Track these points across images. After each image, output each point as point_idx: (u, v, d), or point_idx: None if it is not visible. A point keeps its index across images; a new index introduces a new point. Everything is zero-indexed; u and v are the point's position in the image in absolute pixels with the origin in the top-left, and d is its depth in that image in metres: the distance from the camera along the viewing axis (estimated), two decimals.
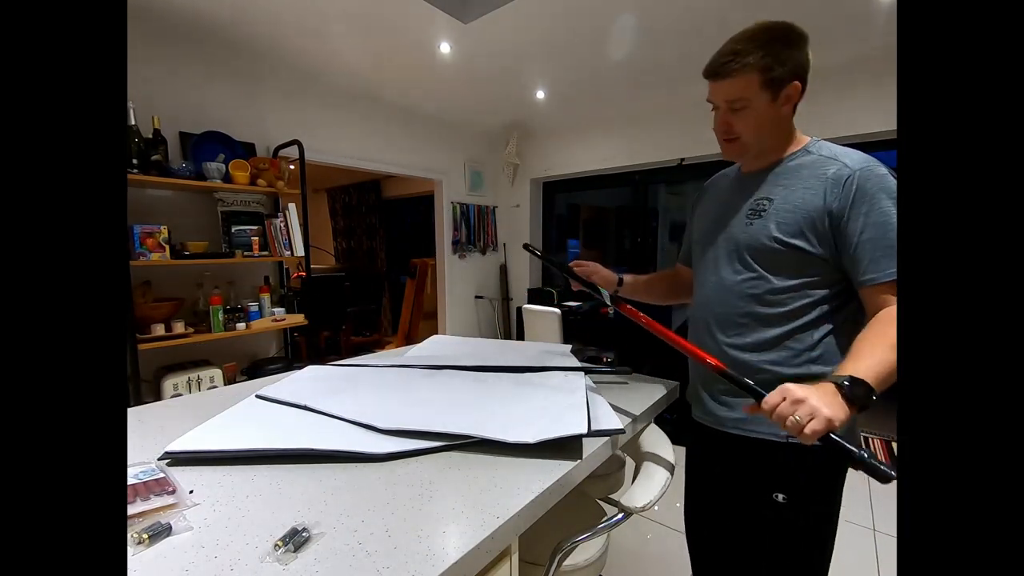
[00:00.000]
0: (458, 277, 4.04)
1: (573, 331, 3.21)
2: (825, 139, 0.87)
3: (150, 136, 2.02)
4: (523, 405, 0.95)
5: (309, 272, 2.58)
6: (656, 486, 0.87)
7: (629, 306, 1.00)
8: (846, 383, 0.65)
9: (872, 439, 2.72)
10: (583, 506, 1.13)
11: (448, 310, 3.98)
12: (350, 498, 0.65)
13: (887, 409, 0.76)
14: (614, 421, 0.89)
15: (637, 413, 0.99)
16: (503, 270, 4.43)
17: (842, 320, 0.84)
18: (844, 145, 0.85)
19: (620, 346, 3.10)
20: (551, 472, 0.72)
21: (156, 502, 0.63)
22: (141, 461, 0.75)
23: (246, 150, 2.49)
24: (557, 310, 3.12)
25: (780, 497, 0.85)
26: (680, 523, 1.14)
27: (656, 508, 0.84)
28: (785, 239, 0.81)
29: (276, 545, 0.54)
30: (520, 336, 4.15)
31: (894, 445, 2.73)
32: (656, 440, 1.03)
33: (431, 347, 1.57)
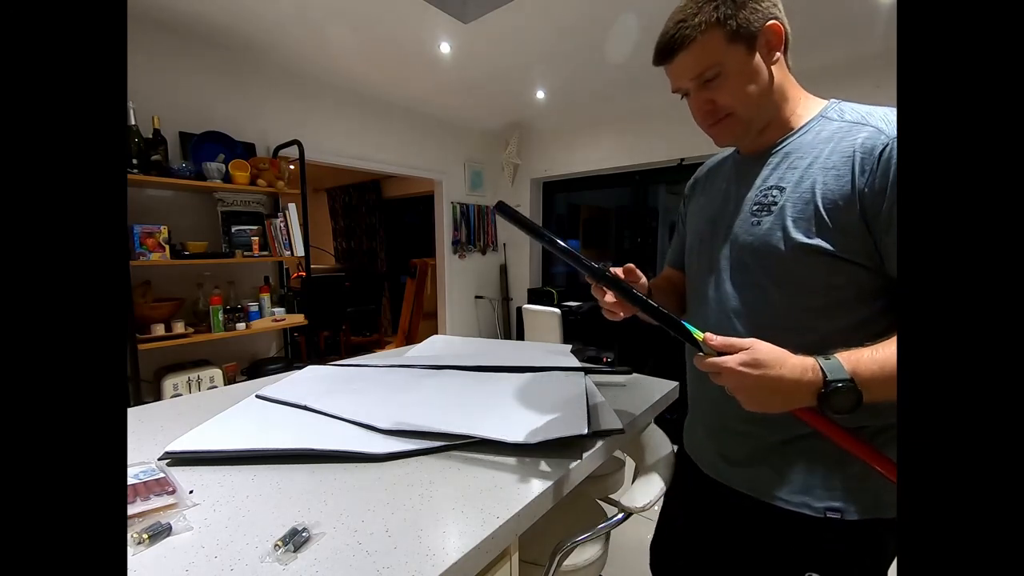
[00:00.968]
0: (458, 277, 4.04)
1: (573, 331, 3.21)
2: None
3: (150, 136, 2.02)
4: (523, 405, 0.95)
5: (309, 272, 2.58)
6: (656, 486, 0.87)
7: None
8: (842, 385, 0.52)
9: None
10: (583, 506, 1.13)
11: (448, 310, 3.98)
12: (350, 498, 0.65)
13: None
14: (614, 421, 0.89)
15: (637, 413, 0.99)
16: (503, 270, 4.43)
17: None
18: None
19: (620, 346, 3.10)
20: (551, 472, 0.72)
21: (156, 502, 0.63)
22: (141, 461, 0.75)
23: (246, 150, 2.49)
24: (557, 310, 3.12)
25: None
26: None
27: (656, 508, 0.84)
28: (804, 240, 0.61)
29: (276, 545, 0.54)
30: (520, 336, 4.15)
31: None
32: (656, 440, 1.03)
33: (431, 347, 1.57)
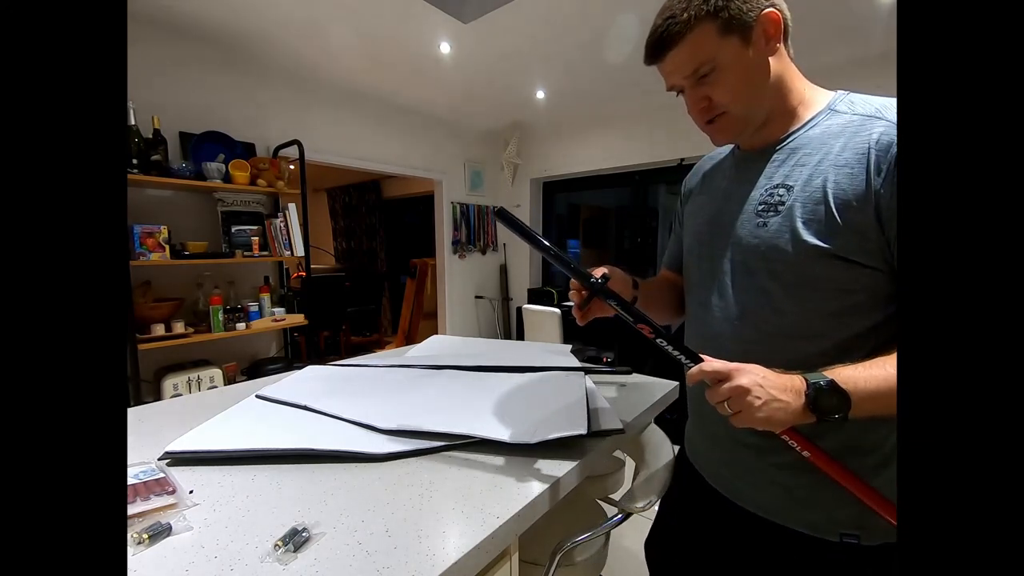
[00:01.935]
0: (458, 277, 4.04)
1: (573, 331, 3.21)
2: None
3: (150, 136, 2.02)
4: (523, 405, 0.95)
5: (309, 272, 2.58)
6: (656, 486, 0.87)
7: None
8: (821, 384, 0.52)
9: None
10: (583, 506, 1.13)
11: (448, 310, 3.98)
12: (350, 498, 0.65)
13: None
14: (614, 421, 0.89)
15: (637, 413, 0.99)
16: (503, 270, 4.43)
17: None
18: None
19: (620, 346, 3.10)
20: (551, 472, 0.72)
21: (156, 502, 0.63)
22: (141, 461, 0.75)
23: (246, 150, 2.49)
24: (557, 310, 3.12)
25: None
26: None
27: (656, 508, 0.84)
28: (815, 243, 0.57)
29: (276, 545, 0.54)
30: (520, 336, 4.15)
31: None
32: (656, 440, 1.03)
33: (431, 347, 1.57)
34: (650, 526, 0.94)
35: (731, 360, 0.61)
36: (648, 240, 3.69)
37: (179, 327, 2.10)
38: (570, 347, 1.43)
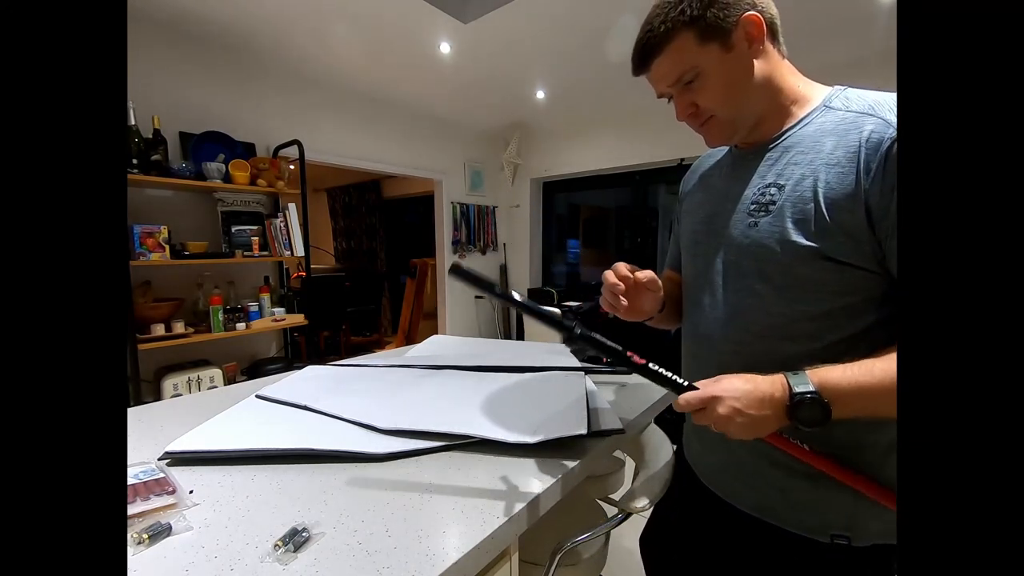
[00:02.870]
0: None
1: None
2: None
3: (150, 136, 2.02)
4: (523, 405, 0.95)
5: (309, 272, 2.58)
6: (656, 486, 0.87)
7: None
8: (808, 397, 0.51)
9: None
10: (583, 506, 1.13)
11: (448, 310, 3.98)
12: (350, 498, 0.65)
13: None
14: (614, 421, 0.89)
15: (637, 413, 0.99)
16: (503, 270, 4.43)
17: None
18: None
19: (620, 346, 3.09)
20: (551, 472, 0.72)
21: (156, 502, 0.63)
22: (141, 461, 0.75)
23: (246, 150, 2.49)
24: (557, 310, 3.12)
25: None
26: None
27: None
28: (804, 243, 0.57)
29: (276, 545, 0.54)
30: (520, 336, 4.15)
31: None
32: (656, 440, 1.03)
33: (431, 347, 1.57)
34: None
35: (720, 360, 0.65)
36: (648, 240, 3.69)
37: (179, 327, 2.10)
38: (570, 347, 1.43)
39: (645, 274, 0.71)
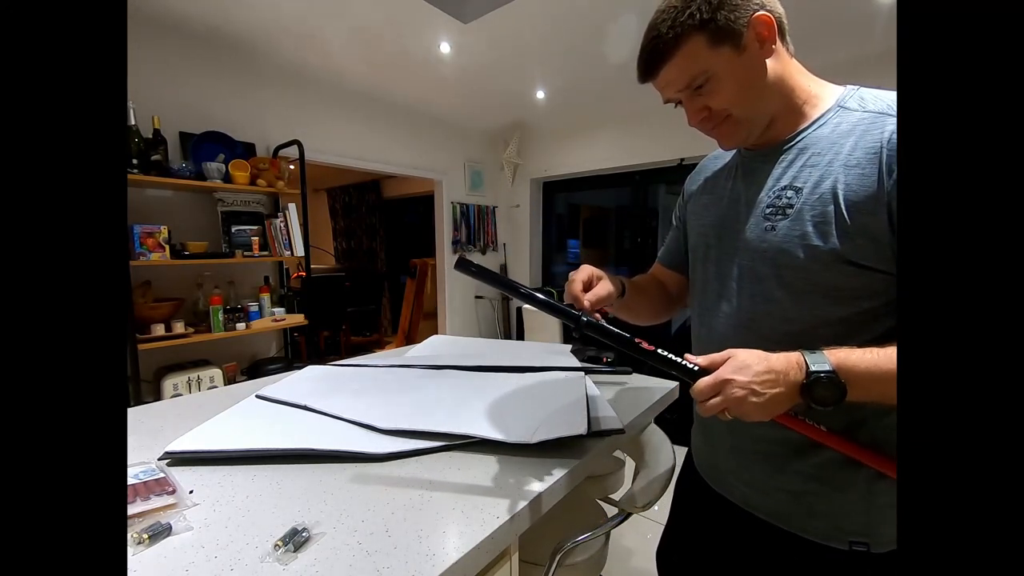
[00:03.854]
0: (458, 277, 4.04)
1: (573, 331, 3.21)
2: None
3: (150, 136, 2.02)
4: (523, 405, 0.95)
5: (309, 272, 2.58)
6: (656, 486, 0.87)
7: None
8: (824, 376, 0.50)
9: None
10: (583, 506, 1.13)
11: (448, 310, 3.98)
12: (350, 498, 0.65)
13: None
14: (614, 421, 0.89)
15: (637, 413, 0.99)
16: (503, 270, 4.43)
17: None
18: None
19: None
20: (551, 472, 0.72)
21: (156, 502, 0.63)
22: (141, 461, 0.75)
23: (246, 150, 2.49)
24: (555, 301, 3.11)
25: None
26: None
27: (656, 508, 0.84)
28: (825, 247, 0.55)
29: (276, 545, 0.54)
30: (520, 336, 4.15)
31: None
32: (656, 440, 1.03)
33: (431, 347, 1.58)
34: (652, 529, 0.94)
35: None
36: (648, 240, 3.69)
37: (179, 327, 2.10)
38: (570, 347, 1.43)
39: (595, 295, 0.69)
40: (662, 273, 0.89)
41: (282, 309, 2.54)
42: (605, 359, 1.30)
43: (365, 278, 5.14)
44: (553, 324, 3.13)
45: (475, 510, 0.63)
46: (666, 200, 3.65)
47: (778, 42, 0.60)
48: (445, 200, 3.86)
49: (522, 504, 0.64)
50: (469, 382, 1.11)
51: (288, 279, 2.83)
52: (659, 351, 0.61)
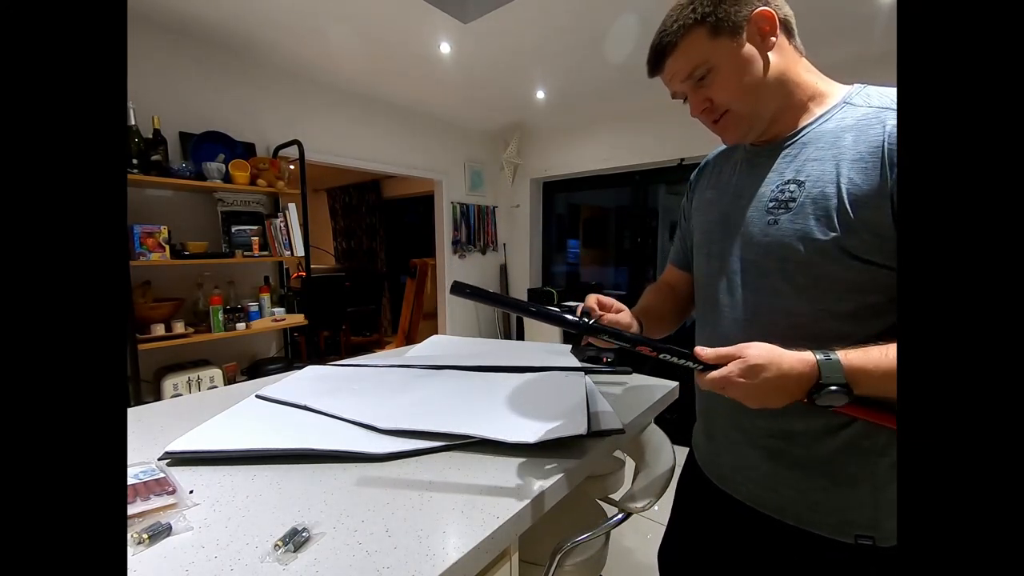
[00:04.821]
0: (458, 277, 4.03)
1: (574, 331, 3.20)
2: None
3: (150, 136, 2.02)
4: (523, 405, 0.95)
5: (309, 272, 2.58)
6: (656, 486, 0.87)
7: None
8: (832, 388, 0.51)
9: None
10: (583, 506, 1.13)
11: (448, 310, 3.98)
12: (350, 498, 0.65)
13: None
14: (614, 421, 0.89)
15: (637, 413, 0.99)
16: (503, 270, 4.43)
17: None
18: None
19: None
20: (551, 472, 0.72)
21: (156, 502, 0.63)
22: (141, 461, 0.75)
23: (246, 150, 2.49)
24: (557, 310, 3.12)
25: None
26: None
27: (656, 508, 0.84)
28: (828, 241, 0.56)
29: (276, 545, 0.54)
30: (520, 336, 4.15)
31: None
32: (656, 440, 1.03)
33: (431, 347, 1.58)
34: (652, 529, 0.94)
35: None
36: (648, 240, 3.69)
37: (179, 327, 2.10)
38: (570, 347, 1.43)
39: (613, 320, 0.72)
40: (674, 276, 0.89)
41: (282, 309, 2.54)
42: (605, 359, 1.30)
43: (365, 278, 5.15)
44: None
45: (475, 510, 0.63)
46: (666, 200, 3.65)
47: (783, 39, 0.62)
48: (445, 200, 3.86)
49: (522, 504, 0.64)
50: (469, 382, 1.11)
51: (288, 279, 2.83)
52: (661, 356, 0.61)
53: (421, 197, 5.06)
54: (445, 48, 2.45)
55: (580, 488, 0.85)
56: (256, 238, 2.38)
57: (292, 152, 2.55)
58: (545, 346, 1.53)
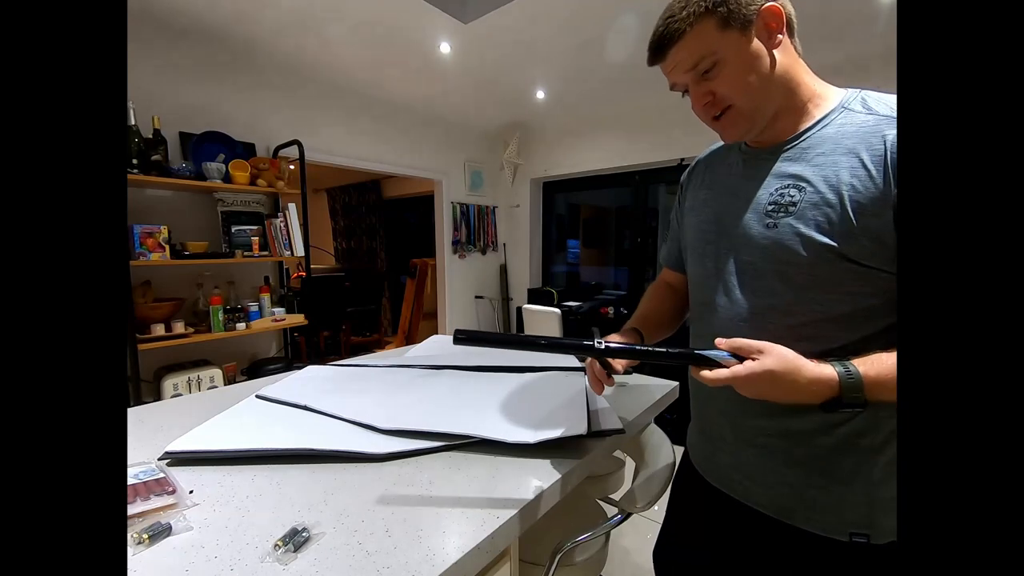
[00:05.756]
0: (458, 277, 4.04)
1: (573, 331, 3.21)
2: None
3: (150, 136, 2.02)
4: (523, 405, 0.95)
5: (309, 272, 2.58)
6: (656, 486, 0.87)
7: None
8: (846, 410, 0.53)
9: None
10: (583, 506, 1.13)
11: (448, 310, 3.98)
12: (350, 498, 0.65)
13: None
14: (614, 421, 0.89)
15: (637, 413, 0.99)
16: (503, 270, 4.43)
17: None
18: None
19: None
20: (551, 472, 0.72)
21: (156, 502, 0.63)
22: (141, 461, 0.75)
23: (246, 150, 2.49)
24: (557, 310, 3.12)
25: None
26: None
27: (656, 508, 0.84)
28: (828, 245, 0.56)
29: (276, 545, 0.54)
30: None
31: None
32: (656, 440, 1.03)
33: (431, 347, 1.57)
34: (652, 529, 0.94)
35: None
36: (648, 240, 3.69)
37: (179, 327, 2.10)
38: None
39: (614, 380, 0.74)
40: (671, 277, 0.89)
41: (282, 309, 2.54)
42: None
43: (365, 278, 5.14)
44: (553, 324, 3.12)
45: (475, 510, 0.63)
46: (666, 200, 3.65)
47: (787, 38, 0.61)
48: (445, 200, 3.86)
49: (522, 504, 0.64)
50: (469, 382, 1.11)
51: (288, 279, 2.83)
52: (676, 351, 0.63)
53: (421, 197, 5.06)
54: (445, 48, 2.45)
55: (580, 488, 0.85)
56: (256, 238, 2.38)
57: (292, 152, 2.54)
58: None
